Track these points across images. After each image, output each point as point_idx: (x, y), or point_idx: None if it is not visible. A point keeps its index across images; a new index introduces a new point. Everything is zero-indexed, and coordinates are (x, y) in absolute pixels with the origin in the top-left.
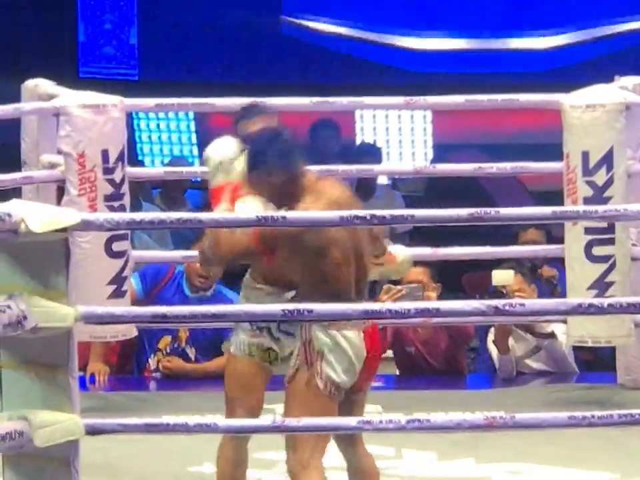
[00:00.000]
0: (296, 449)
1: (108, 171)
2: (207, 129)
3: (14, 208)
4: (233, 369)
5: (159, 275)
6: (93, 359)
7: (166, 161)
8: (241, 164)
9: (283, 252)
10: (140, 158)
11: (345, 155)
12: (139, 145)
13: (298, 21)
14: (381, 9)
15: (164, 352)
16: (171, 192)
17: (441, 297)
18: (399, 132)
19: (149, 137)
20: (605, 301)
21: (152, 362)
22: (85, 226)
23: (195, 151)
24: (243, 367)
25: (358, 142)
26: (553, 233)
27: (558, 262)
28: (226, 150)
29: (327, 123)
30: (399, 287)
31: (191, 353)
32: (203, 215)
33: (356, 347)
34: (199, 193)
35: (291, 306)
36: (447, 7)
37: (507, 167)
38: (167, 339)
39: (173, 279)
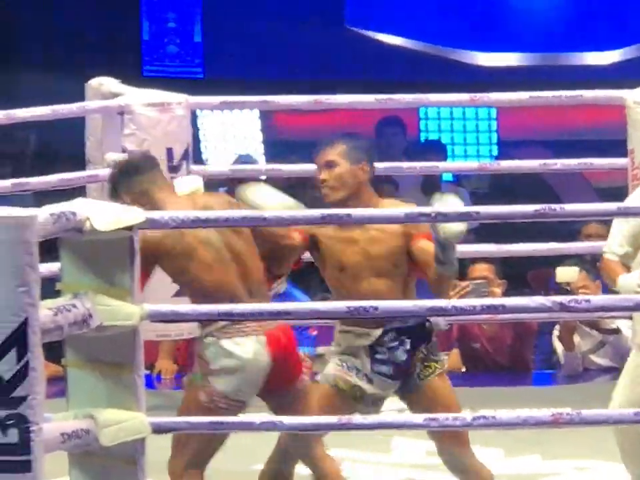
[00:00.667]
0: (174, 456)
1: (173, 169)
2: (271, 127)
3: (79, 206)
4: (315, 396)
5: None
6: (161, 357)
7: (230, 159)
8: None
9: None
10: (204, 156)
11: (409, 152)
12: (203, 143)
13: (361, 32)
14: (445, 25)
15: None
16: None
17: (505, 294)
18: (464, 129)
19: (214, 135)
20: None
21: None
22: (150, 224)
23: (260, 149)
24: (326, 393)
25: (422, 139)
26: None
27: None
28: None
29: (392, 120)
30: (464, 283)
31: None
32: (267, 213)
33: (250, 354)
34: None
35: (355, 303)
36: (509, 23)
37: (571, 163)
38: None
39: None
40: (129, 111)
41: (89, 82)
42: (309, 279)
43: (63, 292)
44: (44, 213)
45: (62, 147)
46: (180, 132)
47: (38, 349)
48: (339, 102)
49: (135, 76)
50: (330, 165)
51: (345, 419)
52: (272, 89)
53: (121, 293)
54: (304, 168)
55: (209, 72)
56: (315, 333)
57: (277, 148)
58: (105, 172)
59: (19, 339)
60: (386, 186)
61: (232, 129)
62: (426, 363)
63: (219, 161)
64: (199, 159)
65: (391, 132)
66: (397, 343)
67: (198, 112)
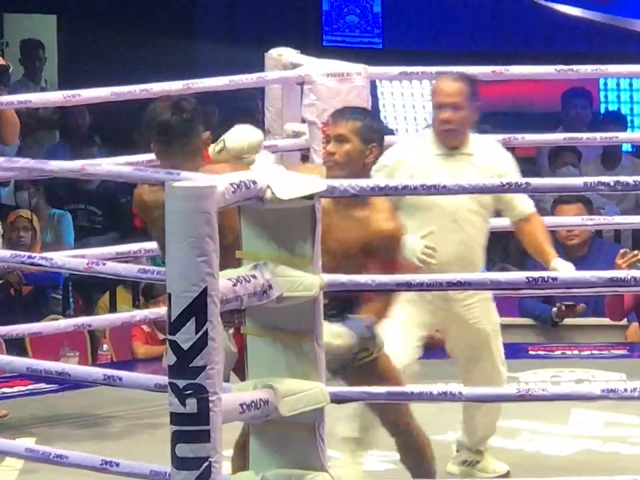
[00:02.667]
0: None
1: None
2: None
3: (259, 175)
4: None
5: None
6: None
7: (410, 129)
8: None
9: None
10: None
11: (590, 123)
12: (382, 114)
13: (541, 3)
14: None
15: None
16: None
17: None
18: None
19: (393, 106)
20: None
21: None
22: (331, 192)
23: None
24: None
25: (602, 110)
26: None
27: None
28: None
29: (580, 92)
30: (635, 252)
31: None
32: (448, 182)
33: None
34: None
35: (535, 274)
36: None
37: None
38: None
39: None
40: (308, 81)
41: (269, 52)
42: (488, 248)
43: (243, 260)
44: (223, 183)
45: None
46: (359, 102)
47: (217, 319)
48: (517, 73)
49: (315, 46)
50: (341, 139)
51: (523, 389)
52: (451, 59)
53: (302, 262)
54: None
55: (388, 42)
56: None
57: None
58: (285, 142)
59: (198, 308)
60: (568, 155)
61: (411, 99)
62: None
63: (398, 131)
64: None
65: (579, 104)
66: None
67: (377, 82)
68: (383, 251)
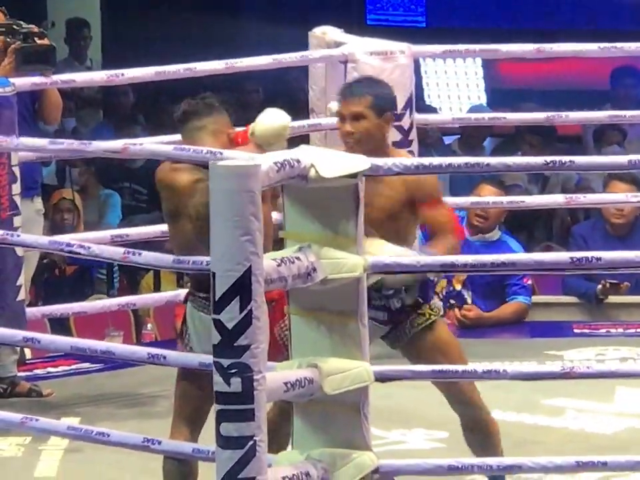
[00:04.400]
0: None
1: (396, 117)
2: (494, 76)
3: (303, 154)
4: None
5: None
6: None
7: (454, 107)
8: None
9: None
10: (428, 104)
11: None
12: (426, 92)
13: None
14: None
15: (440, 295)
16: (470, 139)
17: None
18: None
19: (437, 84)
20: None
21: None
22: (375, 170)
23: (483, 97)
24: None
25: None
26: None
27: None
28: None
29: (630, 70)
30: None
31: (468, 296)
32: (492, 159)
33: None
34: (493, 140)
35: (579, 254)
36: None
37: None
38: (443, 282)
39: None
40: (352, 59)
41: (312, 31)
42: (532, 227)
43: (286, 240)
44: (267, 162)
45: (285, 96)
46: (403, 81)
47: (261, 298)
48: (561, 50)
49: (359, 24)
50: (357, 116)
51: (567, 367)
52: (494, 37)
53: (346, 242)
54: (529, 116)
55: (432, 20)
56: (529, 282)
57: (501, 96)
58: (328, 121)
59: (242, 287)
60: (614, 134)
61: (455, 77)
62: (419, 310)
63: (443, 110)
64: (423, 107)
65: (629, 83)
66: (392, 291)
67: (421, 60)
68: (427, 193)
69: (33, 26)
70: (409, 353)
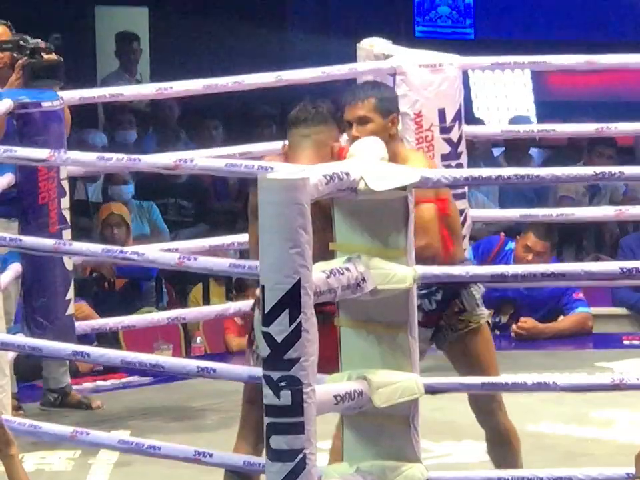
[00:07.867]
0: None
1: (445, 130)
2: (543, 87)
3: (352, 167)
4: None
5: (491, 245)
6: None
7: (503, 119)
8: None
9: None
10: (476, 116)
11: None
12: (475, 104)
13: None
14: None
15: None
16: (514, 151)
17: None
18: None
19: (485, 96)
20: None
21: None
22: (424, 183)
23: (532, 109)
24: None
25: None
26: None
27: None
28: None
29: None
30: None
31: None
32: (541, 170)
33: None
34: (539, 152)
35: (629, 264)
36: None
37: None
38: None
39: (501, 253)
40: (401, 72)
41: (361, 43)
42: (581, 238)
43: (337, 252)
44: (317, 174)
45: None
46: (452, 93)
47: (310, 311)
48: (611, 62)
49: (407, 37)
50: (362, 120)
51: (617, 378)
52: (542, 48)
53: (396, 254)
54: (578, 128)
55: (480, 32)
56: (580, 295)
57: (550, 108)
58: None
59: (291, 300)
60: None
61: (504, 89)
62: (461, 317)
63: (491, 122)
64: (472, 120)
65: None
66: (426, 291)
67: (469, 72)
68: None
69: (40, 41)
70: (449, 357)
